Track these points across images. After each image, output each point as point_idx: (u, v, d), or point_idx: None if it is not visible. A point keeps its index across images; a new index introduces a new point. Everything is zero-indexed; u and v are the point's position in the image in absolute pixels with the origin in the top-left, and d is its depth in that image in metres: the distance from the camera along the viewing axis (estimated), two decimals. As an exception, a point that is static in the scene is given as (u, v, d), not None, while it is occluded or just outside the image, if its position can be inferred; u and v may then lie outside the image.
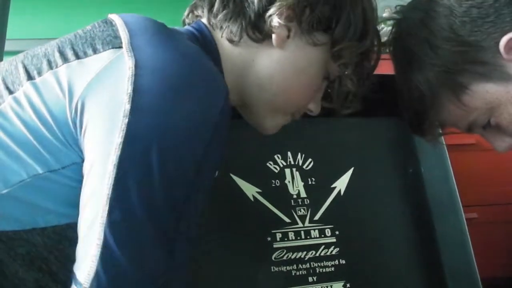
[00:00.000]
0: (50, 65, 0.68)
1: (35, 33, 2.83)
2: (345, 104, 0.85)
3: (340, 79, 0.82)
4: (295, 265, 1.16)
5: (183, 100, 0.63)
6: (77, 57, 0.67)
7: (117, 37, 0.67)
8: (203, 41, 0.79)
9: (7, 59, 0.76)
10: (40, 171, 0.65)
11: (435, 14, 0.83)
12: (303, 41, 0.78)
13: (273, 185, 1.19)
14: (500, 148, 0.88)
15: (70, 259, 0.67)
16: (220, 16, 0.78)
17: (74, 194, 0.65)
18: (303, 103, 0.85)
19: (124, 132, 0.60)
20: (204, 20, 0.81)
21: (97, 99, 0.63)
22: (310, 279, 1.16)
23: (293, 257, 1.16)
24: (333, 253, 1.20)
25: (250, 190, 1.16)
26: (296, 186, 1.22)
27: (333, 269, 1.20)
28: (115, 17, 0.73)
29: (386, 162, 1.32)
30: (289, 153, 1.23)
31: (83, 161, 0.65)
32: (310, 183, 1.24)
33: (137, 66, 0.62)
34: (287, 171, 1.22)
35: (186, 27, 0.84)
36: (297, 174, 1.23)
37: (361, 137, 1.31)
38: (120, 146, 0.60)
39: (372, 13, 0.83)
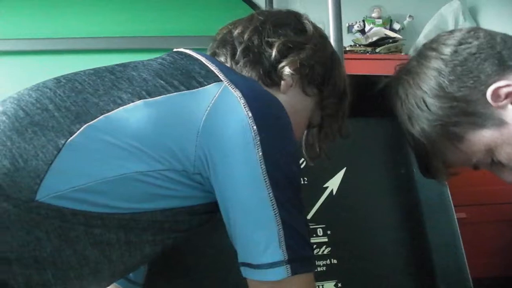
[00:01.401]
0: (159, 90, 0.81)
1: (23, 33, 2.82)
2: (313, 154, 1.05)
3: (320, 127, 1.00)
4: (286, 265, 1.16)
5: (279, 112, 0.83)
6: (186, 87, 0.82)
7: (210, 71, 0.85)
8: None
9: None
10: (142, 169, 0.76)
11: (426, 76, 0.94)
12: (301, 89, 0.95)
13: (265, 184, 1.19)
14: (508, 179, 0.96)
15: (133, 246, 0.79)
16: (241, 63, 0.94)
17: (155, 188, 0.77)
18: None
19: (261, 147, 0.78)
20: (227, 65, 0.94)
21: (222, 125, 0.79)
22: (301, 279, 1.16)
23: (285, 257, 1.16)
24: (325, 252, 1.21)
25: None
26: (288, 185, 1.21)
27: (324, 268, 1.20)
28: (190, 52, 0.90)
29: (378, 163, 1.32)
30: (281, 153, 1.23)
31: (183, 170, 0.79)
32: (302, 182, 1.23)
33: (244, 96, 0.80)
34: (280, 170, 1.22)
35: None
36: (289, 174, 1.22)
37: (354, 138, 1.30)
38: (263, 158, 0.77)
39: (346, 78, 1.01)
